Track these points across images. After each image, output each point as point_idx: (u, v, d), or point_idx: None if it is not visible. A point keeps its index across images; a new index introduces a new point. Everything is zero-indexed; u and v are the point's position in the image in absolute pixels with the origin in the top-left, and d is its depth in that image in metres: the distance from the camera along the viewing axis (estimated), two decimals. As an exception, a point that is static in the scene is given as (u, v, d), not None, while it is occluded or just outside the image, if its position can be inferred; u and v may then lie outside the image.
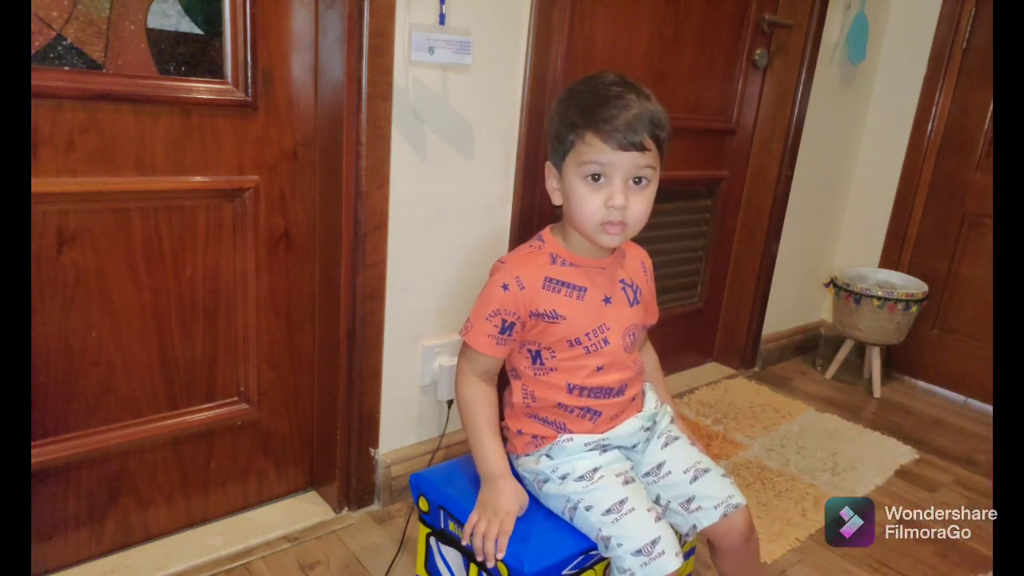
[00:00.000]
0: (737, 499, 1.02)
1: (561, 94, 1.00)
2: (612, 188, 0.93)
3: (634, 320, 1.05)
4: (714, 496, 1.02)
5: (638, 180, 0.94)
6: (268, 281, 1.30)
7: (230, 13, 1.13)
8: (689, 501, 1.03)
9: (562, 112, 0.96)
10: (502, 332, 0.99)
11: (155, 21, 1.08)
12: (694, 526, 1.02)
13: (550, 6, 1.43)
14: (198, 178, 1.17)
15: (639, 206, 0.95)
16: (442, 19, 1.25)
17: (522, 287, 0.98)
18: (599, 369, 1.01)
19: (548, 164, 1.00)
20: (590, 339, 1.00)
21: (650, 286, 1.12)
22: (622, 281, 1.04)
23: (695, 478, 1.04)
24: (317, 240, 1.33)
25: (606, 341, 1.01)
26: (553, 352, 1.01)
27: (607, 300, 1.02)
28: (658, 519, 0.94)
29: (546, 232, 1.05)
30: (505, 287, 0.98)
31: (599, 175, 0.93)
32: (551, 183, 1.00)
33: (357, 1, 1.15)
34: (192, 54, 1.12)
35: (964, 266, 2.25)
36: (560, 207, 1.01)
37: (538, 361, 1.02)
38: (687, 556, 1.05)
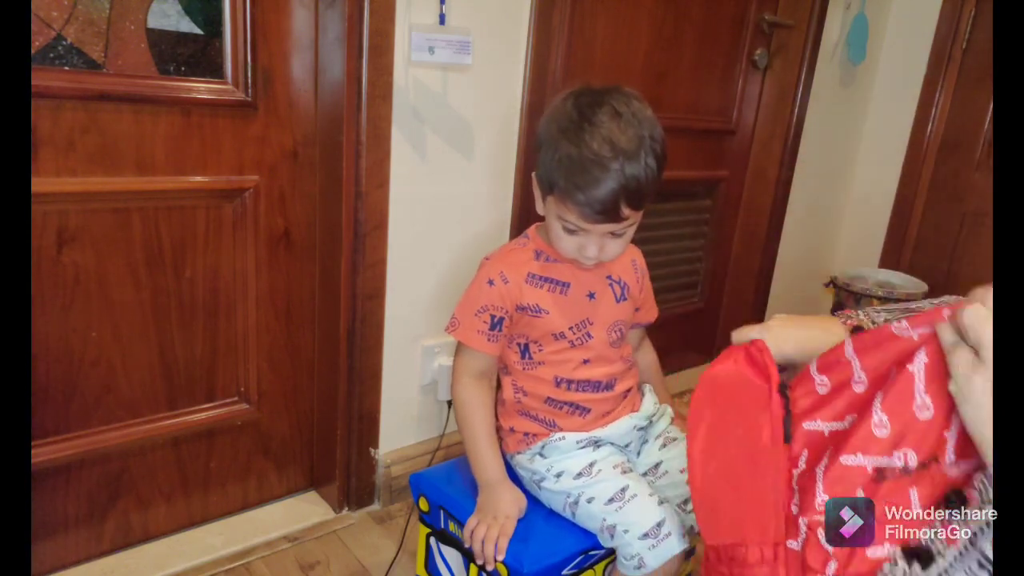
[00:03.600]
0: None
1: (553, 122, 0.91)
2: (586, 240, 0.93)
3: (620, 316, 1.05)
4: None
5: (614, 233, 0.93)
6: (268, 281, 1.30)
7: (230, 13, 1.13)
8: (687, 501, 1.03)
9: (549, 154, 0.90)
10: (492, 328, 1.00)
11: (155, 21, 1.08)
12: (692, 527, 1.02)
13: (550, 6, 1.43)
14: (198, 178, 1.17)
15: (615, 249, 0.96)
16: (442, 19, 1.25)
17: (506, 281, 0.99)
18: (585, 362, 1.02)
19: (535, 176, 0.97)
20: (574, 333, 1.01)
21: (643, 283, 1.12)
22: (609, 277, 1.05)
23: None
24: (317, 240, 1.33)
25: (590, 335, 1.02)
26: (540, 346, 1.02)
27: (591, 296, 1.02)
28: (661, 503, 0.95)
29: (532, 230, 1.06)
30: (491, 283, 0.99)
31: (574, 230, 0.93)
32: (536, 193, 0.98)
33: (357, 1, 1.15)
34: (192, 54, 1.12)
35: (964, 266, 2.25)
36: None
37: (526, 355, 1.03)
38: (687, 557, 1.05)
